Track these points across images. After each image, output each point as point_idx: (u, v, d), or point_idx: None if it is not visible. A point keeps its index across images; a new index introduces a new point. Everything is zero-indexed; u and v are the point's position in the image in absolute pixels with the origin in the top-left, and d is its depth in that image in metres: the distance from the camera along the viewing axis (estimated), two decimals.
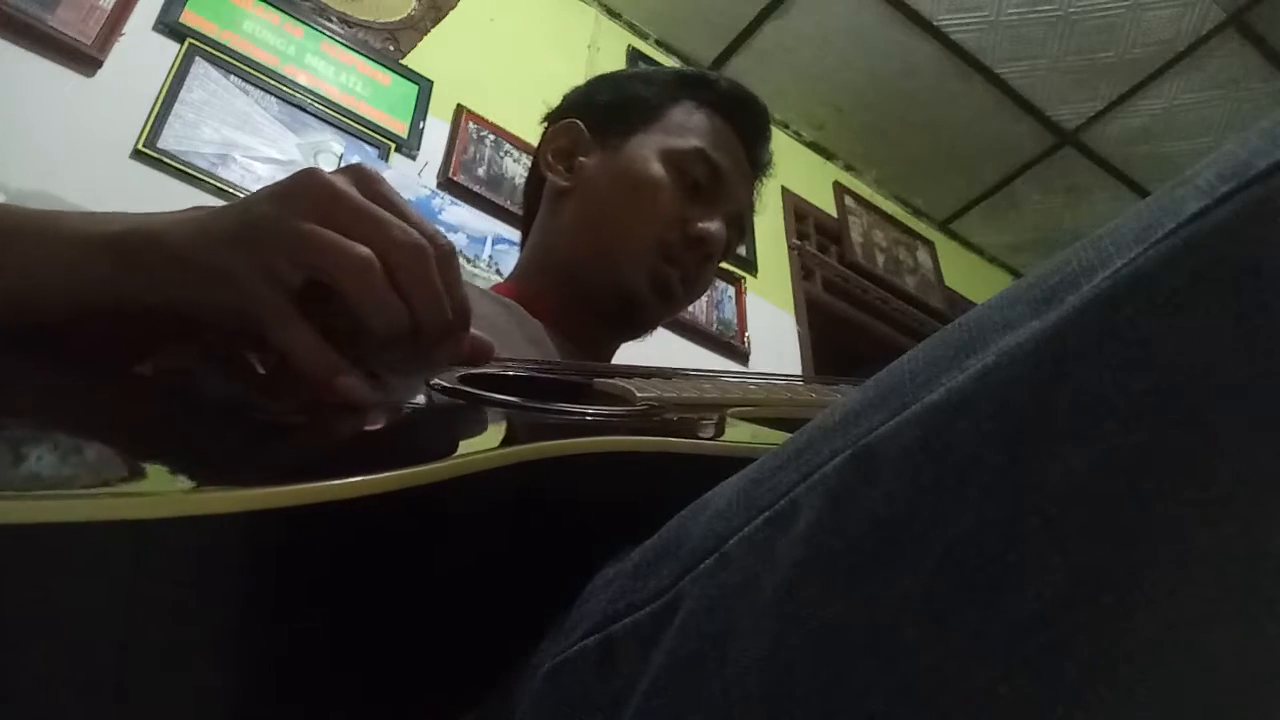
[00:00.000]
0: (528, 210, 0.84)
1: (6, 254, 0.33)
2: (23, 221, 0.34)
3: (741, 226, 0.79)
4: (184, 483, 0.23)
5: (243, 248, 0.31)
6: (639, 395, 0.42)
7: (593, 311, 0.73)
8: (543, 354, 0.66)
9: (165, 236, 0.32)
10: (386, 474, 0.23)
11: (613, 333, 0.77)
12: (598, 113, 0.78)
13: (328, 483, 0.22)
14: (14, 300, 0.32)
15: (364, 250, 0.31)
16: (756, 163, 0.81)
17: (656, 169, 0.72)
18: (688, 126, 0.75)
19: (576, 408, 0.39)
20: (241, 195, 1.40)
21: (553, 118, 0.82)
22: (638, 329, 0.77)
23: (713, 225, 0.71)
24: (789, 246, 2.42)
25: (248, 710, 0.23)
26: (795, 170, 2.60)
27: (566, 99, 0.83)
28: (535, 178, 0.81)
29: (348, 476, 0.22)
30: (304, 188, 0.33)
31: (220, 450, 0.27)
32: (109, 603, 0.19)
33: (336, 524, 0.22)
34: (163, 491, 0.21)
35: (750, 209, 0.82)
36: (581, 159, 0.76)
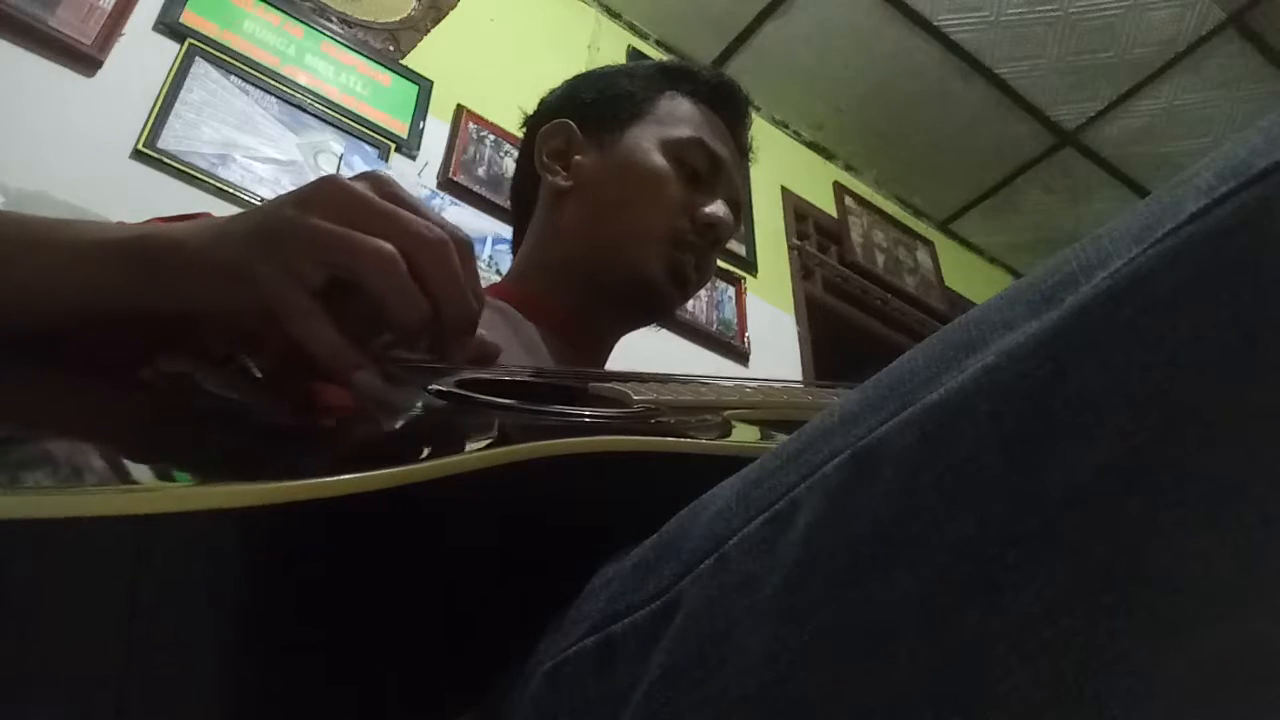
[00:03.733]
0: (519, 214, 0.84)
1: (22, 260, 0.33)
2: (36, 229, 0.35)
3: (740, 213, 0.80)
4: (184, 480, 0.23)
5: (264, 248, 0.32)
6: (635, 398, 0.42)
7: (608, 307, 0.74)
8: (537, 357, 0.66)
9: (184, 243, 0.33)
10: (379, 471, 0.23)
11: (628, 325, 0.78)
12: (586, 110, 0.78)
13: (321, 479, 0.22)
14: (28, 306, 0.32)
15: (388, 245, 0.33)
16: (743, 148, 0.83)
17: (658, 160, 0.73)
18: (679, 116, 0.76)
19: (573, 410, 0.39)
20: (242, 195, 1.41)
21: (536, 120, 0.82)
22: (655, 319, 0.79)
23: (719, 210, 0.73)
24: (789, 246, 2.42)
25: (242, 711, 0.23)
26: (795, 170, 2.60)
27: (548, 101, 0.83)
28: (527, 181, 0.81)
29: (341, 474, 0.22)
30: (323, 191, 0.34)
31: (218, 450, 0.27)
32: (111, 597, 0.19)
33: (330, 520, 0.22)
34: (163, 487, 0.22)
35: (746, 194, 0.84)
36: (578, 158, 0.76)
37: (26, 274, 0.33)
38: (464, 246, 0.36)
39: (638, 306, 0.75)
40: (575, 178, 0.75)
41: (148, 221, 0.52)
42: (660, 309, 0.76)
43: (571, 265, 0.74)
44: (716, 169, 0.75)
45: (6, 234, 0.34)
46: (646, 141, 0.74)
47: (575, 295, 0.73)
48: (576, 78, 0.84)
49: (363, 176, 0.36)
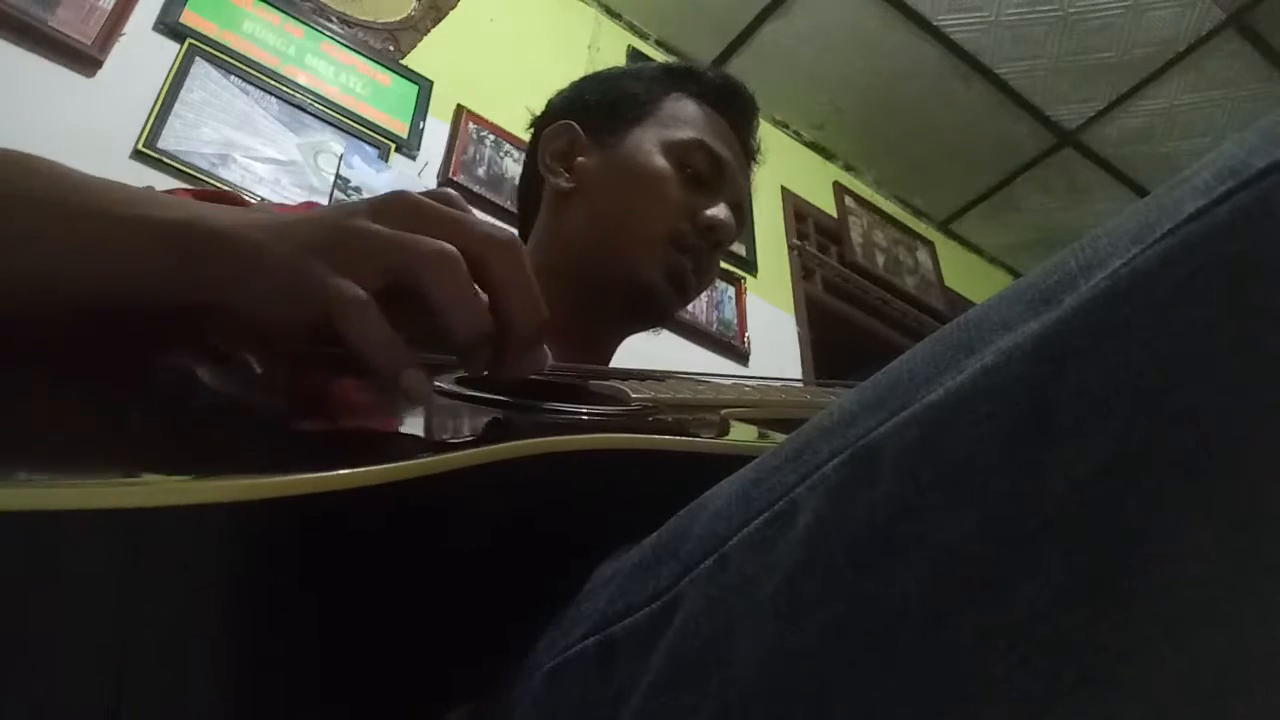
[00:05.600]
0: (524, 216, 0.84)
1: (52, 235, 0.30)
2: (70, 196, 0.31)
3: (743, 215, 0.79)
4: (183, 474, 0.23)
5: (324, 253, 0.30)
6: (634, 396, 0.42)
7: (607, 309, 0.73)
8: None
9: (240, 237, 0.30)
10: (378, 466, 0.23)
11: (629, 328, 0.78)
12: (591, 112, 0.78)
13: (319, 474, 0.22)
14: (46, 283, 0.30)
15: (446, 246, 0.31)
16: (749, 150, 0.82)
17: (659, 161, 0.72)
18: (682, 118, 0.76)
19: (571, 407, 0.39)
20: (242, 195, 1.41)
21: (542, 122, 0.82)
22: (655, 321, 0.78)
23: (721, 213, 0.72)
24: (789, 246, 2.42)
25: (238, 706, 0.23)
26: (795, 170, 2.60)
27: (554, 102, 0.83)
28: (531, 183, 0.81)
29: (339, 469, 0.22)
30: (389, 200, 0.33)
31: (217, 445, 0.27)
32: (109, 592, 0.19)
33: (328, 515, 0.22)
34: (162, 481, 0.22)
35: (748, 197, 0.83)
36: (581, 159, 0.75)
37: (54, 254, 0.30)
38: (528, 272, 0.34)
39: (636, 309, 0.74)
40: (577, 179, 0.75)
41: (173, 191, 0.50)
42: (659, 312, 0.75)
43: (572, 267, 0.73)
44: (719, 171, 0.74)
45: (39, 192, 0.31)
46: (648, 143, 0.73)
47: (575, 298, 0.72)
48: (583, 79, 0.83)
49: (429, 192, 0.34)
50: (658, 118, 0.76)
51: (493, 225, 0.33)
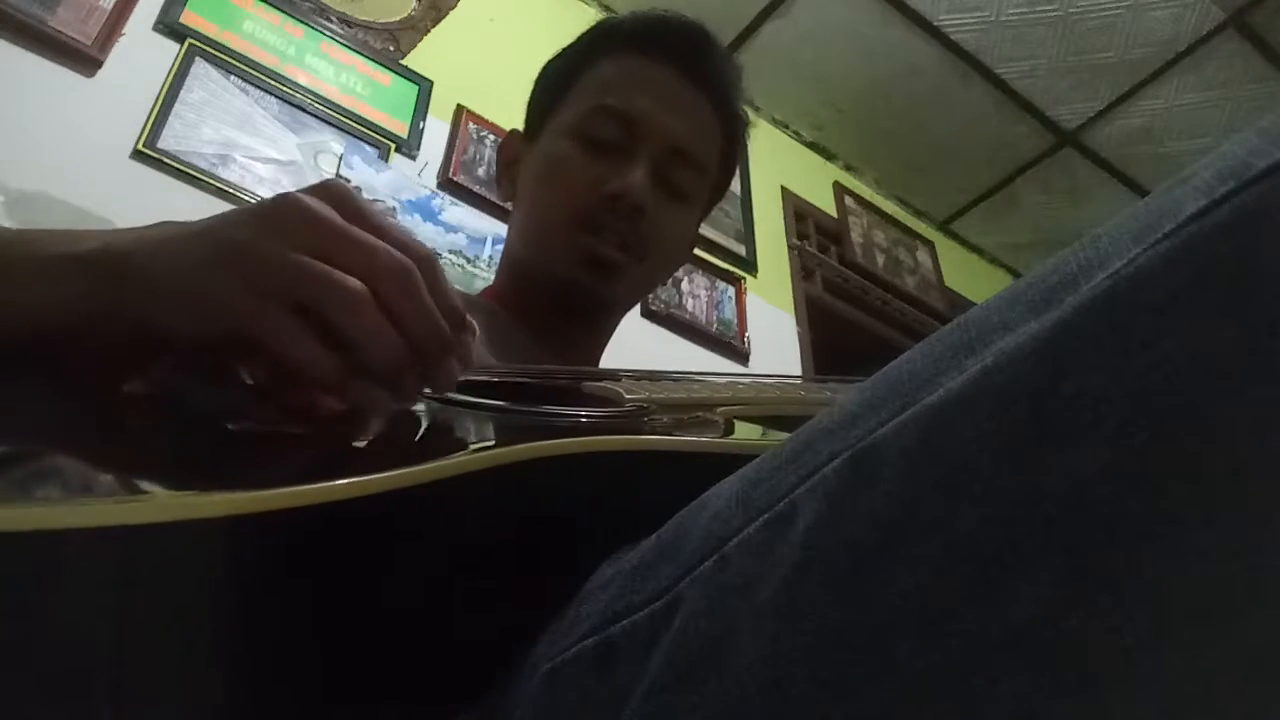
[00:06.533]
0: None
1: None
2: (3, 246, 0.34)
3: (692, 159, 0.72)
4: (174, 490, 0.22)
5: (229, 274, 0.30)
6: (628, 397, 0.42)
7: (546, 306, 0.71)
8: (525, 356, 0.65)
9: (135, 257, 0.31)
10: (375, 476, 0.23)
11: (583, 322, 0.74)
12: (530, 112, 0.78)
13: (318, 485, 0.22)
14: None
15: (355, 284, 0.30)
16: (702, 79, 0.72)
17: (560, 146, 0.70)
18: (592, 86, 0.71)
19: (566, 410, 0.39)
20: (242, 195, 1.41)
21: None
22: (587, 310, 0.73)
23: (629, 178, 0.66)
24: (789, 246, 2.42)
25: (240, 714, 0.23)
26: (795, 170, 2.60)
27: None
28: None
29: (338, 479, 0.22)
30: (284, 214, 0.31)
31: (209, 459, 0.27)
32: (104, 610, 0.19)
33: (330, 525, 0.22)
34: (153, 496, 0.21)
35: (711, 132, 0.74)
36: (519, 167, 0.76)
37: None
38: (429, 264, 0.33)
39: (565, 303, 0.71)
40: (515, 188, 0.76)
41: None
42: (584, 299, 0.70)
43: (517, 270, 0.75)
44: (630, 128, 0.68)
45: None
46: (556, 129, 0.72)
47: (532, 303, 0.72)
48: (538, 75, 0.80)
49: (321, 190, 0.33)
50: (575, 94, 0.72)
51: (386, 251, 0.32)
